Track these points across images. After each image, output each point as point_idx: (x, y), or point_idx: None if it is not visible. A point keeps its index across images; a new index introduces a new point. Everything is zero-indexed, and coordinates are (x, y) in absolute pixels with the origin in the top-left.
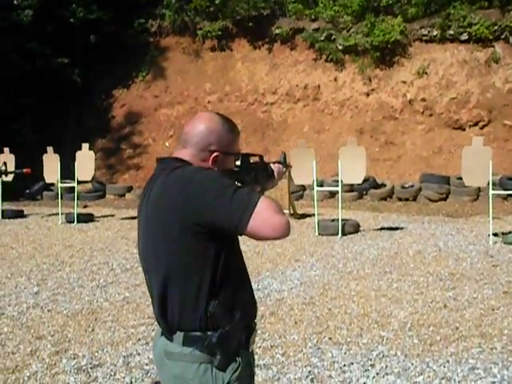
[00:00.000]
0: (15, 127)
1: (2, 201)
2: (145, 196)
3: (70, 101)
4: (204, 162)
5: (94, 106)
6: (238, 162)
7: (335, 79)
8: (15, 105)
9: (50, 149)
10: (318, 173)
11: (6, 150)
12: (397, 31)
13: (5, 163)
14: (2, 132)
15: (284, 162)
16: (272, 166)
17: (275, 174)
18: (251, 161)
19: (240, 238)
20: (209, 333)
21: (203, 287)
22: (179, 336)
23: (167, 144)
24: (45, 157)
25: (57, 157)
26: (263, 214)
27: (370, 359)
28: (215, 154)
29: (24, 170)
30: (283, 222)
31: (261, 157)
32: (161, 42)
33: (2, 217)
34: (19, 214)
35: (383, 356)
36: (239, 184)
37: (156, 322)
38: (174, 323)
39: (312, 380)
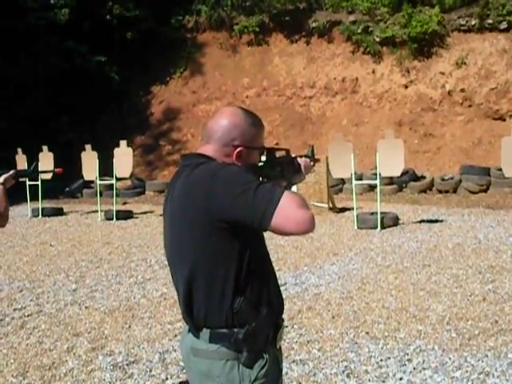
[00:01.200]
0: (54, 126)
1: (42, 199)
2: (169, 193)
3: (108, 98)
4: (228, 158)
5: (132, 103)
6: (263, 157)
7: (373, 72)
8: (54, 103)
9: (88, 146)
10: (356, 166)
11: (45, 148)
12: (434, 22)
13: (37, 162)
14: (40, 130)
15: (312, 156)
16: (299, 160)
17: (302, 168)
18: (277, 155)
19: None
20: (235, 329)
21: (229, 284)
22: (205, 333)
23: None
24: (83, 154)
25: (95, 154)
26: (286, 209)
27: (407, 354)
28: (239, 148)
29: (56, 170)
30: (307, 216)
31: (287, 151)
32: (198, 38)
33: (42, 214)
34: (59, 212)
35: (420, 350)
36: (264, 179)
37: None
38: (200, 320)
39: (348, 375)
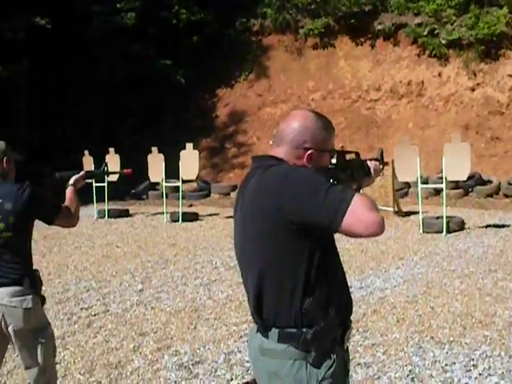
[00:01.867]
0: (120, 128)
1: (108, 200)
2: (240, 194)
3: (173, 101)
4: (298, 160)
5: (197, 105)
6: (334, 160)
7: (439, 74)
8: (120, 107)
9: (154, 149)
10: (422, 170)
11: (111, 150)
12: (502, 23)
13: (106, 164)
14: (107, 132)
15: (381, 159)
16: (368, 163)
17: (372, 171)
18: (347, 158)
19: (343, 236)
20: (304, 329)
21: (298, 284)
22: (274, 333)
23: (271, 143)
24: (149, 157)
25: (161, 156)
26: (357, 212)
27: (473, 359)
28: (310, 151)
29: (124, 171)
30: (377, 219)
31: (357, 154)
32: (263, 41)
33: (108, 216)
34: (125, 213)
35: (486, 356)
36: (334, 182)
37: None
38: (269, 320)
39: (412, 379)
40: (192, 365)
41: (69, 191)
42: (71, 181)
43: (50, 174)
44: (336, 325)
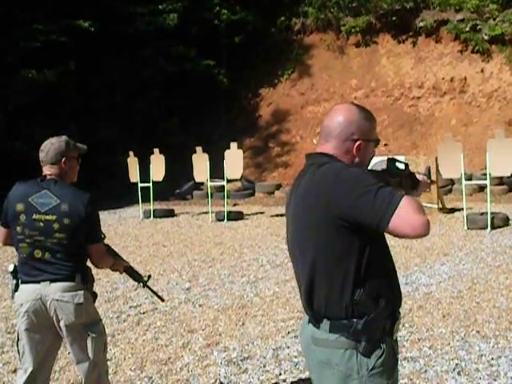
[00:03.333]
0: (164, 129)
1: (153, 200)
2: (293, 190)
3: (217, 101)
4: (347, 154)
5: (240, 105)
6: (385, 165)
7: (482, 70)
8: (163, 107)
9: (199, 149)
10: (466, 166)
11: (156, 150)
12: None
13: (149, 276)
14: (151, 133)
15: (428, 176)
16: (417, 175)
17: (420, 184)
18: (397, 166)
19: None
20: (354, 320)
21: (349, 277)
22: (326, 323)
23: (315, 141)
24: (194, 156)
25: (206, 156)
26: (404, 214)
27: None
28: (358, 142)
29: (160, 299)
30: (423, 221)
31: (406, 165)
32: (305, 40)
33: (154, 216)
34: (170, 213)
35: None
36: (384, 184)
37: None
38: (321, 312)
39: (459, 373)
40: (241, 360)
41: (113, 256)
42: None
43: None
44: (386, 315)
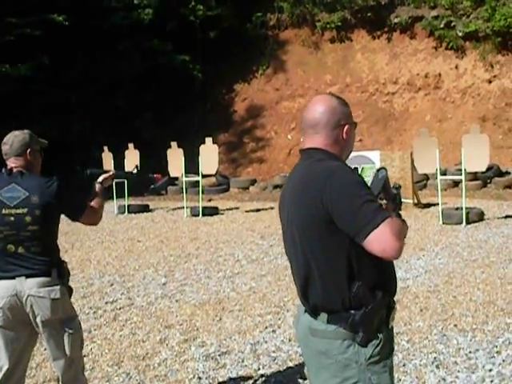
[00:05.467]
0: (138, 123)
1: (128, 196)
2: (288, 184)
3: (191, 96)
4: (337, 142)
5: (215, 100)
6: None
7: (456, 67)
8: (138, 101)
9: (173, 144)
10: (441, 162)
11: (131, 145)
12: None
13: (137, 166)
14: (126, 128)
15: (399, 197)
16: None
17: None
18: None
19: None
20: (352, 311)
21: (345, 270)
22: (323, 316)
23: (289, 137)
24: (169, 152)
25: (181, 151)
26: (381, 235)
27: (496, 346)
28: (346, 127)
29: (154, 176)
30: (396, 247)
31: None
32: (280, 35)
33: (128, 211)
34: (145, 209)
35: (510, 343)
36: (372, 197)
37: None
38: (318, 304)
39: (437, 366)
40: (219, 355)
41: (96, 189)
42: (100, 179)
43: (78, 169)
44: (382, 306)
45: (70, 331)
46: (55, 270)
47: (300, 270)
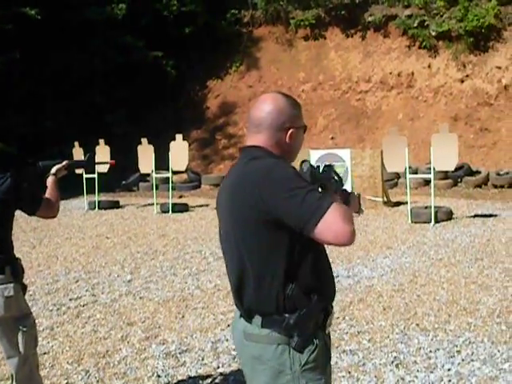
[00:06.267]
0: (110, 119)
1: (99, 192)
2: (224, 183)
3: (164, 92)
4: (279, 144)
5: (188, 97)
6: (322, 167)
7: (429, 66)
8: (110, 98)
9: (144, 140)
10: (412, 160)
11: (101, 141)
12: (491, 15)
13: (90, 155)
14: (97, 124)
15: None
16: (351, 198)
17: (351, 205)
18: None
19: None
20: (286, 315)
21: (279, 272)
22: (257, 319)
23: (246, 131)
24: (139, 148)
25: (151, 148)
26: (330, 220)
27: (456, 346)
28: (291, 130)
29: (109, 162)
30: (348, 230)
31: (341, 179)
32: (254, 32)
33: (99, 207)
34: (115, 205)
35: (470, 343)
36: (314, 187)
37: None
38: (252, 307)
39: (397, 365)
40: (179, 353)
41: (50, 181)
42: (53, 170)
43: (32, 163)
44: (318, 310)
45: (24, 329)
46: (9, 267)
47: (234, 270)
